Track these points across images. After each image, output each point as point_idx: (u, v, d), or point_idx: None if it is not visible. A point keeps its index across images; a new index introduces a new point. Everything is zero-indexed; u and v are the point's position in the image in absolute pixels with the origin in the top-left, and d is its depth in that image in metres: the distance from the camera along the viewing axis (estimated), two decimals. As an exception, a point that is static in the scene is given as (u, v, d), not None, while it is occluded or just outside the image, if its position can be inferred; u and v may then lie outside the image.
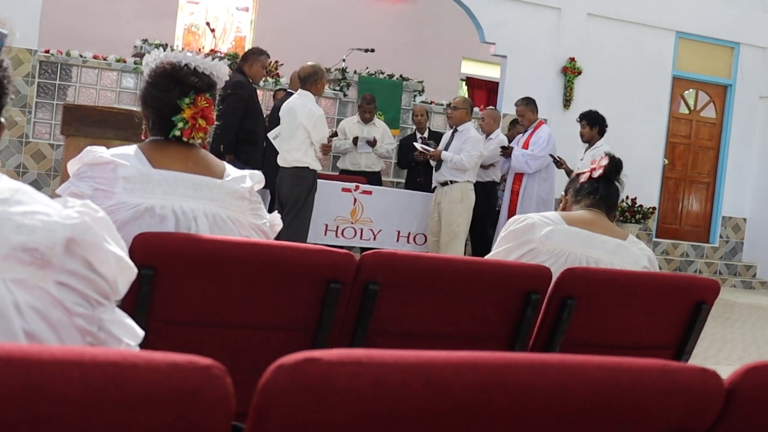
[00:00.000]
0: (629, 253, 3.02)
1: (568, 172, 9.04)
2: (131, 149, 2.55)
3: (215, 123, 2.64)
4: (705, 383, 1.16)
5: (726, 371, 1.23)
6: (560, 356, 1.10)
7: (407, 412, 1.01)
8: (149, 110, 2.63)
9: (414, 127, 11.01)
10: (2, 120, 1.44)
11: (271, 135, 7.78)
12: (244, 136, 7.99)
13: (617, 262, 2.96)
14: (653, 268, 3.06)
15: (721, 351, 7.26)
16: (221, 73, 2.67)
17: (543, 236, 2.96)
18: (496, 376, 1.04)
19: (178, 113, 2.55)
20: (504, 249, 3.03)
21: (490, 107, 11.06)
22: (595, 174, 3.09)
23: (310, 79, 7.52)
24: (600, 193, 3.10)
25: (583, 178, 3.13)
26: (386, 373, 0.99)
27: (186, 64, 2.58)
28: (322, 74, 7.58)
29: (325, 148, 7.80)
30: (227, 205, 2.59)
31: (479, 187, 9.07)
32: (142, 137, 2.69)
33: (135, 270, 1.50)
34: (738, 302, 10.88)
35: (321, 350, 0.98)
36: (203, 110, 2.57)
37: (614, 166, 3.12)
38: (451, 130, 8.90)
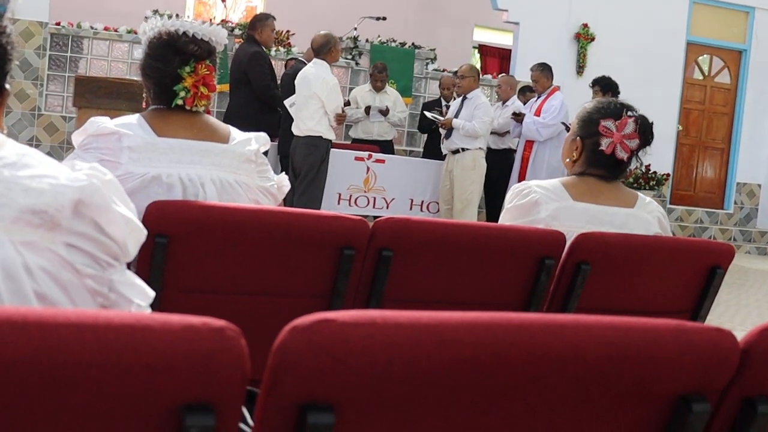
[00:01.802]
0: (639, 221, 2.89)
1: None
2: (134, 118, 2.55)
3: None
4: (719, 343, 1.16)
5: (741, 337, 1.22)
6: (575, 316, 1.10)
7: (421, 372, 1.01)
8: (150, 81, 2.62)
9: (437, 95, 10.97)
10: (7, 87, 1.44)
11: (287, 103, 7.79)
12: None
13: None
14: (665, 231, 2.98)
15: (736, 317, 7.26)
16: (220, 37, 2.65)
17: (549, 215, 2.83)
18: (511, 336, 1.04)
19: (180, 82, 2.54)
20: (509, 226, 2.95)
21: (503, 74, 11.00)
22: (619, 155, 2.84)
23: (323, 49, 7.53)
24: (620, 169, 2.92)
25: (604, 147, 2.85)
26: (400, 334, 0.99)
27: (184, 32, 2.56)
28: (335, 41, 7.58)
29: (339, 118, 7.80)
30: (234, 169, 2.59)
31: (495, 154, 9.06)
32: (143, 106, 2.68)
33: (144, 231, 1.51)
34: (752, 268, 10.86)
35: (335, 311, 0.98)
36: (204, 78, 2.56)
37: (644, 146, 2.88)
38: (460, 98, 8.88)
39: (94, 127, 2.47)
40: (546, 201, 2.85)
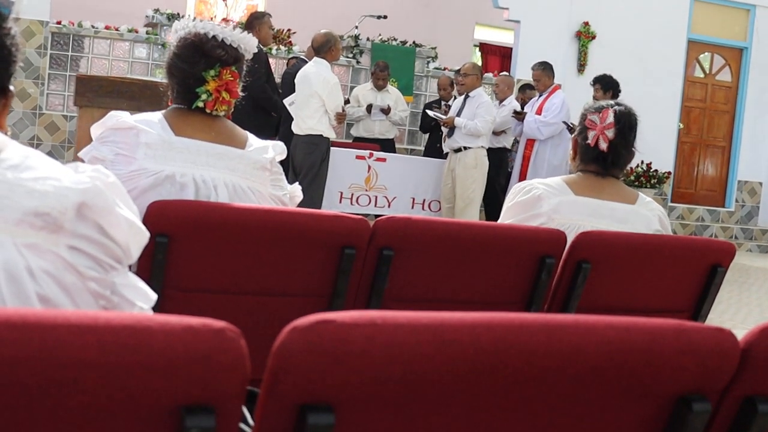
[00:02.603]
0: (640, 217, 2.94)
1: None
2: (155, 116, 2.55)
3: (240, 96, 2.63)
4: (720, 342, 1.16)
5: (742, 335, 1.22)
6: (575, 317, 1.10)
7: (421, 373, 1.01)
8: (174, 80, 2.62)
9: (437, 95, 10.95)
10: (12, 88, 1.44)
11: (287, 101, 7.78)
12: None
13: (628, 230, 2.89)
14: (665, 229, 3.00)
15: (737, 315, 7.26)
16: (249, 45, 2.65)
17: (551, 209, 2.88)
18: (511, 336, 1.04)
19: (203, 85, 2.55)
20: (511, 222, 2.98)
21: (504, 73, 10.99)
22: (601, 146, 2.91)
23: (323, 48, 7.52)
24: (609, 162, 2.95)
25: (590, 140, 2.93)
26: (400, 335, 0.99)
27: (213, 36, 2.56)
28: (336, 40, 7.57)
29: (340, 117, 7.80)
30: (248, 175, 2.59)
31: (490, 153, 9.04)
32: (168, 104, 2.68)
33: (147, 234, 1.51)
34: (754, 266, 10.85)
35: (335, 312, 0.98)
36: (228, 83, 2.56)
37: (623, 137, 2.93)
38: (462, 97, 8.86)
39: (113, 121, 2.47)
40: (548, 196, 2.89)
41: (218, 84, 2.55)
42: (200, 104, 2.55)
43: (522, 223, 2.92)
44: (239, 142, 2.64)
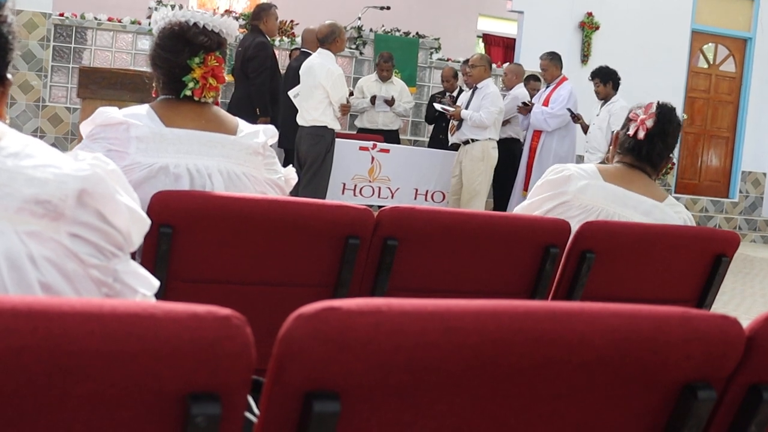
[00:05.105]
0: (664, 215, 2.95)
1: (584, 127, 8.98)
2: (143, 109, 2.55)
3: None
4: (725, 330, 1.15)
5: (746, 326, 1.22)
6: (580, 304, 1.10)
7: (427, 360, 1.01)
8: (159, 71, 2.62)
9: (441, 86, 10.92)
10: (9, 76, 1.44)
11: (291, 93, 7.77)
12: (270, 95, 7.98)
13: (650, 222, 2.91)
14: None
15: (741, 305, 7.25)
16: (231, 30, 2.66)
17: (577, 189, 2.94)
18: (516, 323, 1.04)
19: (188, 73, 2.55)
20: (538, 199, 3.02)
21: (511, 63, 10.96)
22: (639, 134, 2.98)
23: (328, 39, 7.51)
24: (643, 153, 3.02)
25: (630, 130, 3.02)
26: (406, 322, 0.99)
27: (194, 23, 2.56)
28: (340, 31, 7.56)
29: (344, 108, 7.78)
30: (241, 161, 2.59)
31: (497, 143, 9.03)
32: (153, 95, 2.69)
33: (148, 221, 1.51)
34: (757, 257, 10.84)
35: (340, 300, 0.98)
36: (213, 69, 2.56)
37: (661, 128, 2.99)
38: (471, 89, 8.83)
39: (102, 117, 2.47)
40: (578, 178, 2.97)
41: (204, 71, 2.55)
42: (188, 93, 2.55)
43: (547, 201, 3.00)
44: (230, 128, 2.63)
